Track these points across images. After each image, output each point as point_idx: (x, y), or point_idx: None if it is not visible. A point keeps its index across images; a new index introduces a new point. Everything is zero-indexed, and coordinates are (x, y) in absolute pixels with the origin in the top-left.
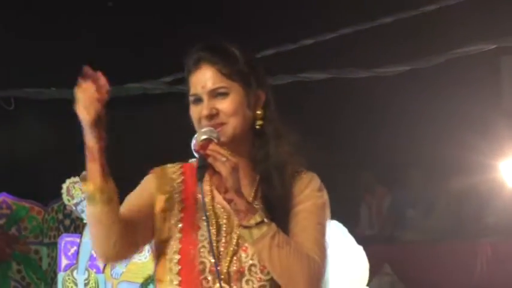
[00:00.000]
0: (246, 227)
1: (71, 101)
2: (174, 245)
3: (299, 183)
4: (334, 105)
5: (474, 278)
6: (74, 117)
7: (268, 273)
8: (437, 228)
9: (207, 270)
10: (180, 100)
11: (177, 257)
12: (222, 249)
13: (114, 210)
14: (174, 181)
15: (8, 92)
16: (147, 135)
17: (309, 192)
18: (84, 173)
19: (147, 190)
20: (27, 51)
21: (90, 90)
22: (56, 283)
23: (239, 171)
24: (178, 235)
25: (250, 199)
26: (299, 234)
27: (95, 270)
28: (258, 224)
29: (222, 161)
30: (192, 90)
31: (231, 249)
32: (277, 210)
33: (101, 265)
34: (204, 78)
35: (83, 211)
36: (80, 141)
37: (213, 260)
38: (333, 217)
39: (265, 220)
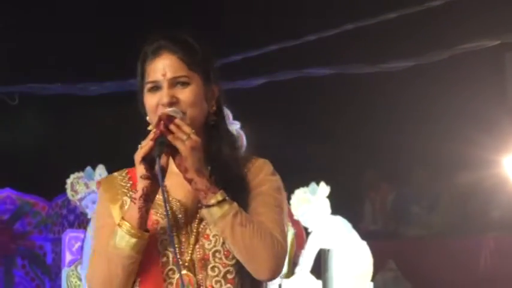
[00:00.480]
0: (207, 206)
1: (74, 97)
2: None
3: (252, 169)
4: (338, 101)
5: (478, 273)
6: (78, 112)
7: (233, 257)
8: (442, 223)
9: (171, 261)
10: None
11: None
12: (183, 239)
13: (136, 264)
14: (123, 187)
15: (12, 88)
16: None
17: (263, 177)
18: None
19: (107, 208)
20: (31, 47)
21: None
22: (60, 278)
23: (200, 151)
24: None
25: None
26: (258, 216)
27: None
28: (220, 203)
29: (183, 139)
30: (151, 78)
31: (193, 237)
32: (232, 196)
33: None
34: (164, 66)
35: (87, 206)
36: (82, 137)
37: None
38: (338, 213)
39: (227, 199)
